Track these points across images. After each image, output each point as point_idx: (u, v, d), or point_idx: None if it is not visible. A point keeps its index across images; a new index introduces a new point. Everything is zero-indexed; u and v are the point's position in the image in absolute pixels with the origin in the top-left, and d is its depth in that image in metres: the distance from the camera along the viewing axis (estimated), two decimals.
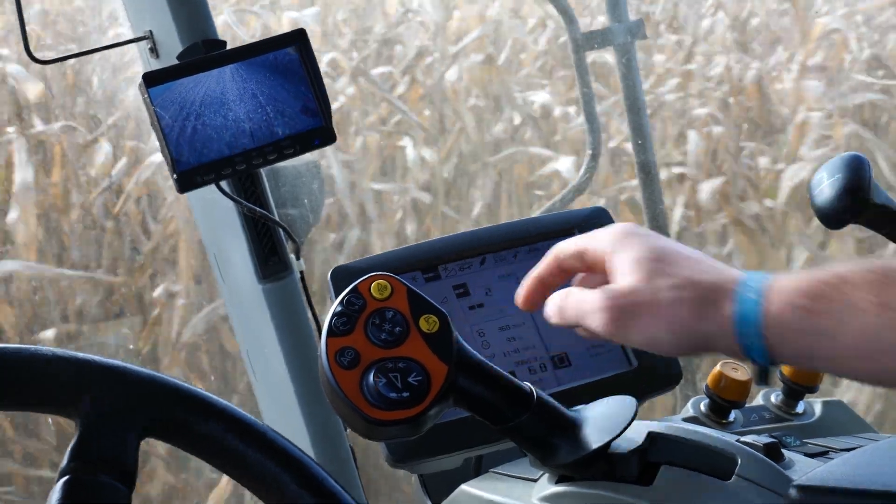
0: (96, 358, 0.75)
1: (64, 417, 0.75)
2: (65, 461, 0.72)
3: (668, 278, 0.79)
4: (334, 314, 0.81)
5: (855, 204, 1.00)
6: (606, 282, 0.83)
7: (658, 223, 1.95)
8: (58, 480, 0.72)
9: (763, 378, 0.78)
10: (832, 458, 0.86)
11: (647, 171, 1.94)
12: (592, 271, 0.86)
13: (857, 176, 1.00)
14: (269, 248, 1.45)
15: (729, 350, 0.78)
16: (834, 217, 1.01)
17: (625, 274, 0.80)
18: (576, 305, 0.82)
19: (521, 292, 0.89)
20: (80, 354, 0.75)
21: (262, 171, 1.45)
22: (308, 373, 1.46)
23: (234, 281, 1.50)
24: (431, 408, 0.79)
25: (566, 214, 1.10)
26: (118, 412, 0.74)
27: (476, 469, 1.04)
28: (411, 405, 0.78)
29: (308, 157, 1.57)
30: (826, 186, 1.01)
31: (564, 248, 0.87)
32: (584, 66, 1.90)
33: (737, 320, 0.76)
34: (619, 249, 0.82)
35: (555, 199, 1.89)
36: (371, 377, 0.78)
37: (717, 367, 1.07)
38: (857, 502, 0.72)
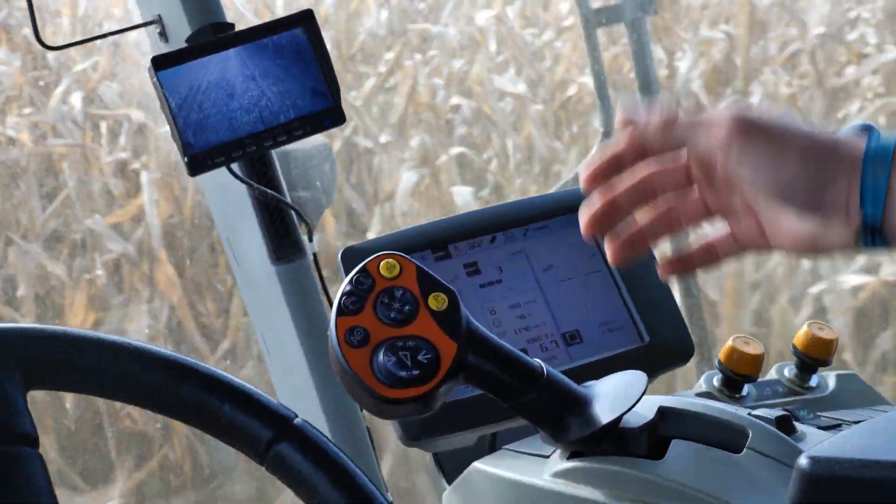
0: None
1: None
2: None
3: (803, 127, 0.73)
4: (343, 293, 0.81)
5: None
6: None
7: None
8: None
9: (868, 237, 0.72)
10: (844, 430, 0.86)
11: None
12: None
13: None
14: (282, 231, 1.46)
15: (845, 196, 0.72)
16: None
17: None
18: (687, 123, 0.74)
19: (592, 169, 0.78)
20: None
21: (273, 154, 1.45)
22: (322, 353, 1.46)
23: (247, 263, 1.50)
24: (441, 385, 0.79)
25: (575, 191, 1.09)
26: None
27: (490, 446, 1.04)
28: (421, 383, 0.78)
29: (319, 138, 1.57)
30: None
31: (650, 129, 0.76)
32: (595, 42, 1.90)
33: (868, 152, 0.72)
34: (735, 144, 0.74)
35: (568, 176, 1.88)
36: (381, 356, 0.79)
37: (730, 342, 1.06)
38: (868, 473, 0.72)
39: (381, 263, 0.82)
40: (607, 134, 1.88)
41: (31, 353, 0.74)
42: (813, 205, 0.73)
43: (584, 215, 0.80)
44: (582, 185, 0.80)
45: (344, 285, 0.82)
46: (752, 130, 0.73)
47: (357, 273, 0.82)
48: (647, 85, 1.94)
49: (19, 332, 0.75)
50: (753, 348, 1.04)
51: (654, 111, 0.76)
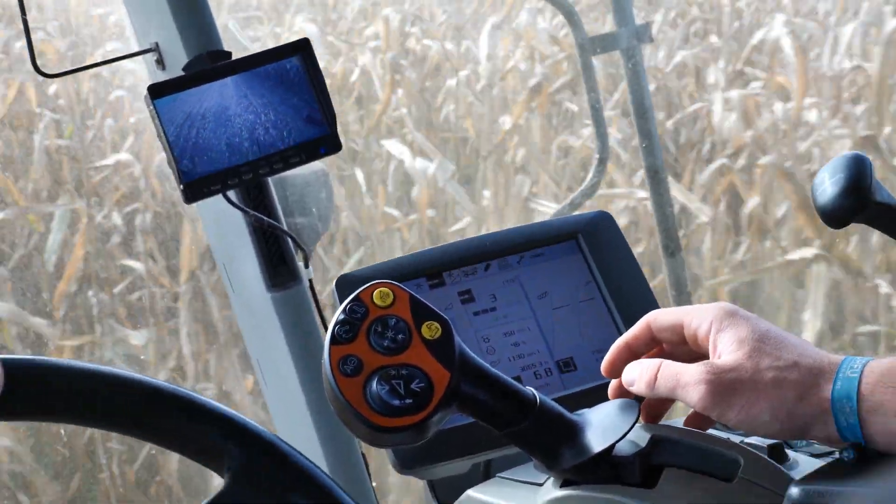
0: (256, 427, 0.78)
1: (210, 469, 0.77)
2: None
3: (773, 359, 0.79)
4: (337, 322, 0.81)
5: (857, 202, 1.00)
6: (695, 357, 0.84)
7: (667, 225, 1.95)
8: None
9: (860, 462, 0.77)
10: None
11: (655, 174, 1.94)
12: (684, 345, 0.86)
13: (858, 175, 1.00)
14: (278, 257, 1.46)
15: (826, 435, 0.78)
16: (836, 216, 1.01)
17: (728, 352, 0.81)
18: (672, 377, 0.82)
19: (608, 358, 0.88)
20: (248, 422, 0.77)
21: (270, 181, 1.46)
22: (318, 381, 1.46)
23: (243, 290, 1.50)
24: (434, 414, 0.79)
25: (569, 219, 1.11)
26: (260, 484, 0.75)
27: (485, 474, 1.04)
28: (414, 412, 0.79)
29: (316, 165, 1.58)
30: (828, 186, 1.01)
31: (660, 317, 0.86)
32: (591, 69, 1.91)
33: (835, 399, 0.77)
34: (723, 328, 0.82)
35: (563, 204, 1.89)
36: (374, 384, 0.79)
37: None
38: (856, 503, 0.72)
39: (375, 292, 0.82)
40: (602, 160, 1.89)
41: (300, 493, 0.77)
42: (792, 437, 0.80)
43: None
44: (606, 372, 0.89)
45: (337, 314, 0.82)
46: (735, 313, 0.82)
47: (350, 302, 0.82)
48: (643, 111, 1.95)
49: (305, 471, 0.78)
50: None
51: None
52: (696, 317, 0.84)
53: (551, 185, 3.17)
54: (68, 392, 0.77)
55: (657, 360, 0.84)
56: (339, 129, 1.30)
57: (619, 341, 0.88)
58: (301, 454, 0.78)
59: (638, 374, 0.84)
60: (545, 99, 3.31)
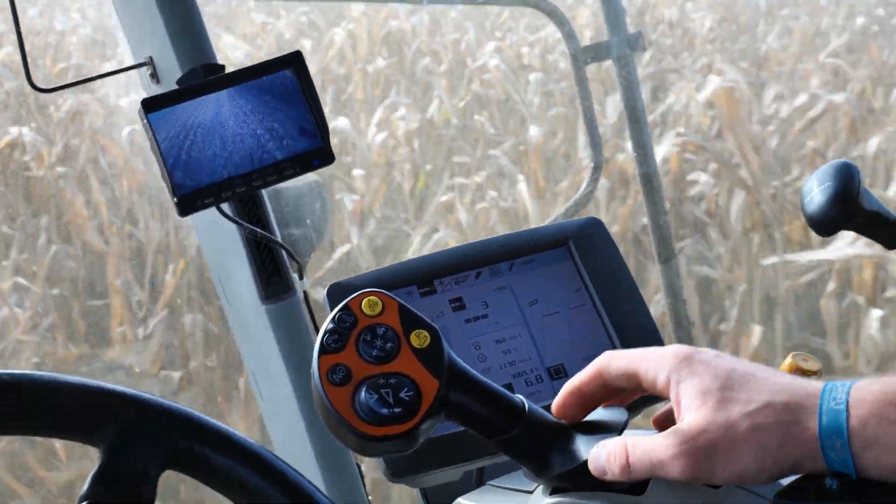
0: (120, 388, 0.76)
1: (88, 445, 0.75)
2: (86, 486, 0.73)
3: (743, 405, 0.74)
4: (326, 332, 0.81)
5: (846, 210, 1.00)
6: (650, 397, 0.80)
7: (662, 233, 1.96)
8: None
9: (854, 496, 0.73)
10: None
11: (649, 182, 1.95)
12: (641, 391, 0.81)
13: (847, 183, 1.00)
14: (272, 269, 1.47)
15: (816, 469, 0.74)
16: (825, 224, 1.01)
17: (692, 408, 0.75)
18: (644, 457, 0.76)
19: (558, 401, 0.83)
20: (106, 385, 0.76)
21: (264, 193, 1.46)
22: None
23: (238, 302, 1.51)
24: (423, 422, 0.79)
25: (560, 226, 1.11)
26: (141, 443, 0.74)
27: (477, 481, 1.05)
28: (403, 420, 0.79)
29: (310, 177, 1.58)
30: (816, 194, 1.02)
31: (612, 364, 0.81)
32: (584, 79, 1.91)
33: (822, 434, 0.72)
34: (682, 379, 0.76)
35: (557, 213, 1.90)
36: (363, 393, 0.79)
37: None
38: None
39: (364, 301, 0.83)
40: (597, 168, 1.90)
41: (179, 439, 0.76)
42: (783, 476, 0.75)
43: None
44: (556, 414, 0.85)
45: (326, 323, 0.82)
46: (691, 358, 0.77)
47: (339, 311, 0.82)
48: (636, 119, 1.96)
49: (179, 415, 0.77)
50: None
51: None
52: (651, 367, 0.79)
53: None
54: None
55: (621, 442, 0.79)
56: None
57: (570, 386, 0.83)
58: (176, 405, 0.77)
59: (607, 461, 0.79)
60: None
